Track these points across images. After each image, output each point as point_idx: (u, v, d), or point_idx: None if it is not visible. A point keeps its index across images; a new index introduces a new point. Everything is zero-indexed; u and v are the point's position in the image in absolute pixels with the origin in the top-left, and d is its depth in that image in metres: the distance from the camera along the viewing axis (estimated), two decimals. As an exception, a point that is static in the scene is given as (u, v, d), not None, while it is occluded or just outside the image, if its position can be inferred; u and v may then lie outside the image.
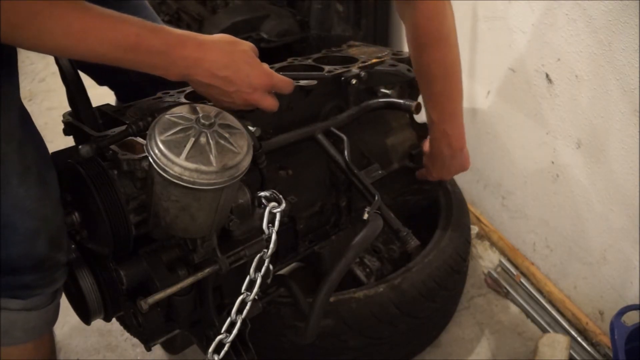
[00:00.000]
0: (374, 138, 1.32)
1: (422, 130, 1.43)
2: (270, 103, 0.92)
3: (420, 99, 1.40)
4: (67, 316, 1.54)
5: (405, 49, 1.58)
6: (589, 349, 1.39)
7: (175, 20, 2.11)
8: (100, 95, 1.40)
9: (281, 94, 0.97)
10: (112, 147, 0.80)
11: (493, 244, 1.76)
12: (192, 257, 0.80)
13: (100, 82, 1.21)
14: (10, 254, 0.79)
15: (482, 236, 1.79)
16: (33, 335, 0.89)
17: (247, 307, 0.82)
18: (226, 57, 0.82)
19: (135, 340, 1.46)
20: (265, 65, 0.91)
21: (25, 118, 0.82)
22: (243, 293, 0.82)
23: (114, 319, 0.97)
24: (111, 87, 1.25)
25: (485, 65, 1.61)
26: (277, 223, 0.82)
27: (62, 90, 0.96)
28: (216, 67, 0.81)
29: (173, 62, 0.78)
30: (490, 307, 1.55)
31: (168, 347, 1.31)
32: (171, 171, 0.65)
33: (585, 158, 1.32)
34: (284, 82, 0.94)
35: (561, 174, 1.42)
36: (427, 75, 1.17)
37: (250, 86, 0.86)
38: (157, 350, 1.40)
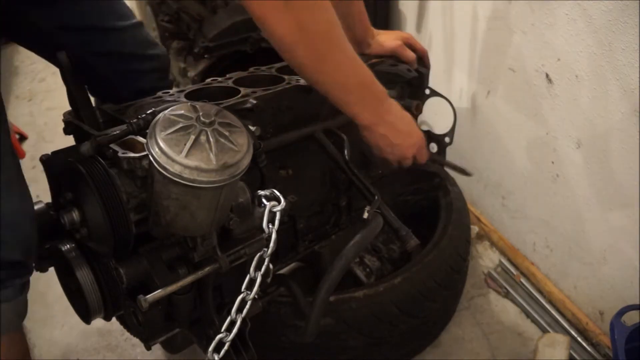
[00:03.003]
0: (374, 138, 1.32)
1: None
2: (423, 158, 1.14)
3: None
4: (67, 316, 1.55)
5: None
6: (589, 349, 1.39)
7: (175, 20, 2.11)
8: (101, 94, 1.40)
9: (282, 96, 1.03)
10: (112, 145, 0.80)
11: (493, 244, 1.76)
12: (192, 256, 0.80)
13: None
14: None
15: (482, 236, 1.79)
16: (7, 328, 0.91)
17: (247, 306, 0.82)
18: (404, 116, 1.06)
19: (135, 340, 1.46)
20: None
21: (6, 129, 0.85)
22: (243, 292, 0.82)
23: (114, 319, 0.97)
24: (84, 82, 1.26)
25: (485, 65, 1.61)
26: (277, 222, 0.82)
27: (62, 90, 0.96)
28: (399, 120, 1.04)
29: (379, 107, 0.99)
30: (490, 307, 1.55)
31: (168, 346, 1.31)
32: (171, 169, 0.65)
33: (585, 158, 1.32)
34: (424, 153, 1.15)
35: (561, 174, 1.42)
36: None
37: (410, 145, 1.08)
38: (157, 350, 1.40)
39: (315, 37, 0.86)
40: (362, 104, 0.98)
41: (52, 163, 0.92)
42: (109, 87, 1.17)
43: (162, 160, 0.65)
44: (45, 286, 1.59)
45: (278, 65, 1.27)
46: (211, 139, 0.67)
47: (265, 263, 0.82)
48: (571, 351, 1.36)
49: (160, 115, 0.70)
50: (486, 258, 1.72)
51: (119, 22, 1.12)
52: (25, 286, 0.95)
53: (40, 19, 1.02)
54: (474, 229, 1.76)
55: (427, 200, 1.48)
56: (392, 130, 1.03)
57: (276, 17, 0.83)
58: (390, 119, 1.03)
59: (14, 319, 0.92)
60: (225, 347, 0.81)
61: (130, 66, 1.17)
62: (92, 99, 1.34)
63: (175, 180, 0.66)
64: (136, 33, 1.18)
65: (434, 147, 1.51)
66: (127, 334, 1.46)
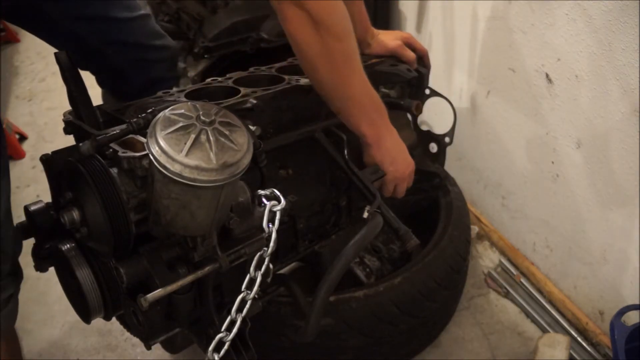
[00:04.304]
0: (374, 138, 1.32)
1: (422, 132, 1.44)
2: (410, 184, 1.18)
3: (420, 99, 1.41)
4: (67, 316, 1.55)
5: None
6: (589, 349, 1.39)
7: (175, 20, 2.11)
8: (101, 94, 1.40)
9: (282, 96, 1.06)
10: (113, 145, 0.80)
11: (493, 244, 1.76)
12: (192, 255, 0.80)
13: (82, 67, 1.23)
14: None
15: (482, 236, 1.79)
16: None
17: (247, 306, 0.82)
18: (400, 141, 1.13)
19: (135, 340, 1.46)
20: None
21: None
22: (243, 292, 0.82)
23: (114, 319, 0.97)
24: (92, 72, 1.28)
25: (485, 65, 1.61)
26: (277, 221, 0.82)
27: (62, 90, 0.96)
28: (398, 142, 1.10)
29: (384, 124, 1.07)
30: (490, 307, 1.55)
31: (168, 346, 1.31)
32: (171, 168, 0.65)
33: (585, 158, 1.32)
34: (412, 180, 1.19)
35: (561, 174, 1.42)
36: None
37: (407, 164, 1.14)
38: (157, 350, 1.40)
39: (339, 63, 0.95)
40: (372, 120, 1.06)
41: (52, 163, 0.92)
42: (118, 77, 1.21)
43: (162, 159, 0.65)
44: (45, 286, 1.59)
45: (278, 65, 1.27)
46: (211, 138, 0.67)
47: (265, 262, 0.82)
48: (571, 351, 1.36)
49: (161, 114, 0.69)
50: (486, 258, 1.72)
51: (127, 13, 1.16)
52: (10, 299, 0.94)
53: (53, 11, 1.07)
54: (474, 229, 1.76)
55: (427, 200, 1.48)
56: (394, 146, 1.11)
57: (307, 40, 0.92)
58: (391, 136, 1.11)
59: None
60: (225, 347, 0.81)
61: (139, 55, 1.21)
62: (100, 96, 1.35)
63: (175, 180, 0.66)
64: (144, 24, 1.21)
65: (434, 147, 1.51)
66: (127, 334, 1.46)
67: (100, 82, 1.30)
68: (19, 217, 0.99)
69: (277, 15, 0.92)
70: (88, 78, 1.07)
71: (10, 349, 1.03)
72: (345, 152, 1.11)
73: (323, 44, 0.92)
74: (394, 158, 1.11)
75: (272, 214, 0.83)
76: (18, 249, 1.01)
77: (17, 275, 1.00)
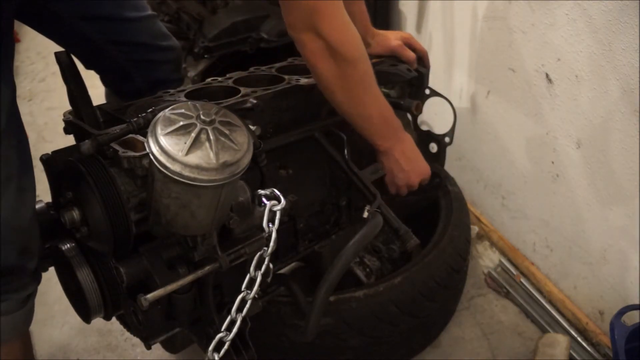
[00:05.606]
0: (374, 137, 1.32)
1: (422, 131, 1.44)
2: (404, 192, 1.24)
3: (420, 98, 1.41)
4: (67, 316, 1.55)
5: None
6: (589, 349, 1.39)
7: (175, 20, 2.11)
8: (101, 94, 1.40)
9: (282, 96, 1.08)
10: (113, 144, 0.80)
11: (493, 244, 1.76)
12: (192, 255, 0.80)
13: (88, 66, 1.23)
14: None
15: (482, 236, 1.79)
16: (6, 340, 0.91)
17: (247, 306, 0.82)
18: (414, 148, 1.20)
19: (135, 340, 1.46)
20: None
21: (15, 120, 0.84)
22: (243, 291, 0.82)
23: (114, 319, 0.97)
24: (97, 71, 1.28)
25: (485, 65, 1.62)
26: (277, 221, 0.82)
27: (62, 90, 0.96)
28: (410, 150, 1.17)
29: (395, 136, 1.14)
30: (490, 307, 1.55)
31: (168, 346, 1.31)
32: (172, 168, 0.65)
33: (585, 158, 1.32)
34: (406, 191, 1.24)
35: (561, 174, 1.42)
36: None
37: (418, 173, 1.20)
38: (157, 350, 1.40)
39: (354, 85, 1.03)
40: (382, 133, 1.13)
41: (52, 162, 0.92)
42: (123, 77, 1.21)
43: (163, 159, 0.65)
44: (45, 286, 1.57)
45: (278, 65, 1.27)
46: (211, 138, 0.67)
47: (265, 262, 0.82)
48: (571, 351, 1.36)
49: (161, 114, 0.70)
50: (486, 258, 1.72)
51: (134, 13, 1.16)
52: (28, 299, 0.94)
53: (61, 10, 1.07)
54: (474, 229, 1.76)
55: (427, 200, 1.48)
56: (404, 157, 1.17)
57: (325, 66, 0.99)
58: (403, 148, 1.17)
59: (8, 331, 0.91)
60: (226, 347, 0.82)
61: (145, 56, 1.21)
62: (101, 95, 1.35)
63: (175, 179, 0.66)
64: (150, 24, 1.21)
65: (434, 147, 1.52)
66: (127, 334, 1.46)
67: (104, 82, 1.30)
68: (19, 217, 0.99)
69: (297, 45, 0.99)
70: (89, 78, 1.07)
71: (24, 350, 1.03)
72: (346, 152, 1.11)
73: (339, 69, 0.99)
74: (403, 167, 1.18)
75: (272, 214, 0.83)
76: (41, 248, 1.01)
77: (37, 274, 1.00)
